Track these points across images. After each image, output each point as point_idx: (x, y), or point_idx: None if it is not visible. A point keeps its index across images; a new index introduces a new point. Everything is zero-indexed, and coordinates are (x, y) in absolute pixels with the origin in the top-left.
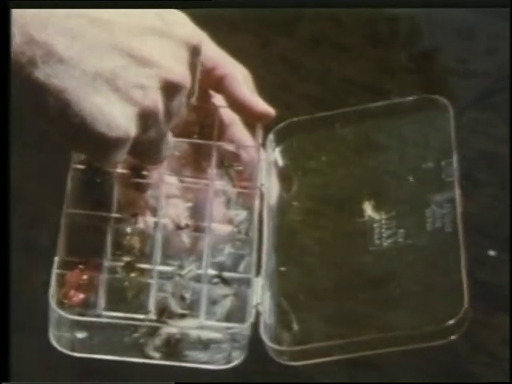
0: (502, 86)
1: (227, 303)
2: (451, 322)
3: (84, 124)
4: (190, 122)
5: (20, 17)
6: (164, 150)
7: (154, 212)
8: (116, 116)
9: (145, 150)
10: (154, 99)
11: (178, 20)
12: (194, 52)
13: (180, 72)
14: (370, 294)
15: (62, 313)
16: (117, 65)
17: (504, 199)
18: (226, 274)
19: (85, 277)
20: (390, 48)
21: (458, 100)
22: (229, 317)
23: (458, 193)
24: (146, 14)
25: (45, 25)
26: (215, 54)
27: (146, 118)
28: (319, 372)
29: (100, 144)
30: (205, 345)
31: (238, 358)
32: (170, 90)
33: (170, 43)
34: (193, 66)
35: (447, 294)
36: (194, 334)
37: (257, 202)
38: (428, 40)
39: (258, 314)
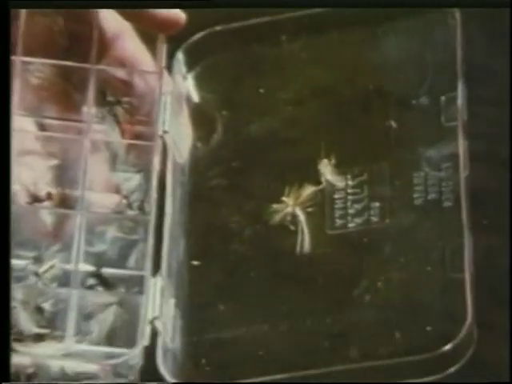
0: None
1: (109, 317)
2: (448, 346)
3: None
4: (57, 32)
5: None
6: None
7: None
8: None
9: None
10: None
11: None
12: None
13: None
14: (325, 301)
15: None
16: None
17: None
18: (108, 272)
19: None
20: None
21: None
22: (111, 338)
23: (463, 145)
24: None
25: None
26: None
27: None
28: None
29: None
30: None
31: None
32: None
33: None
34: None
35: (443, 304)
36: (56, 365)
37: (157, 160)
38: None
39: (154, 334)
